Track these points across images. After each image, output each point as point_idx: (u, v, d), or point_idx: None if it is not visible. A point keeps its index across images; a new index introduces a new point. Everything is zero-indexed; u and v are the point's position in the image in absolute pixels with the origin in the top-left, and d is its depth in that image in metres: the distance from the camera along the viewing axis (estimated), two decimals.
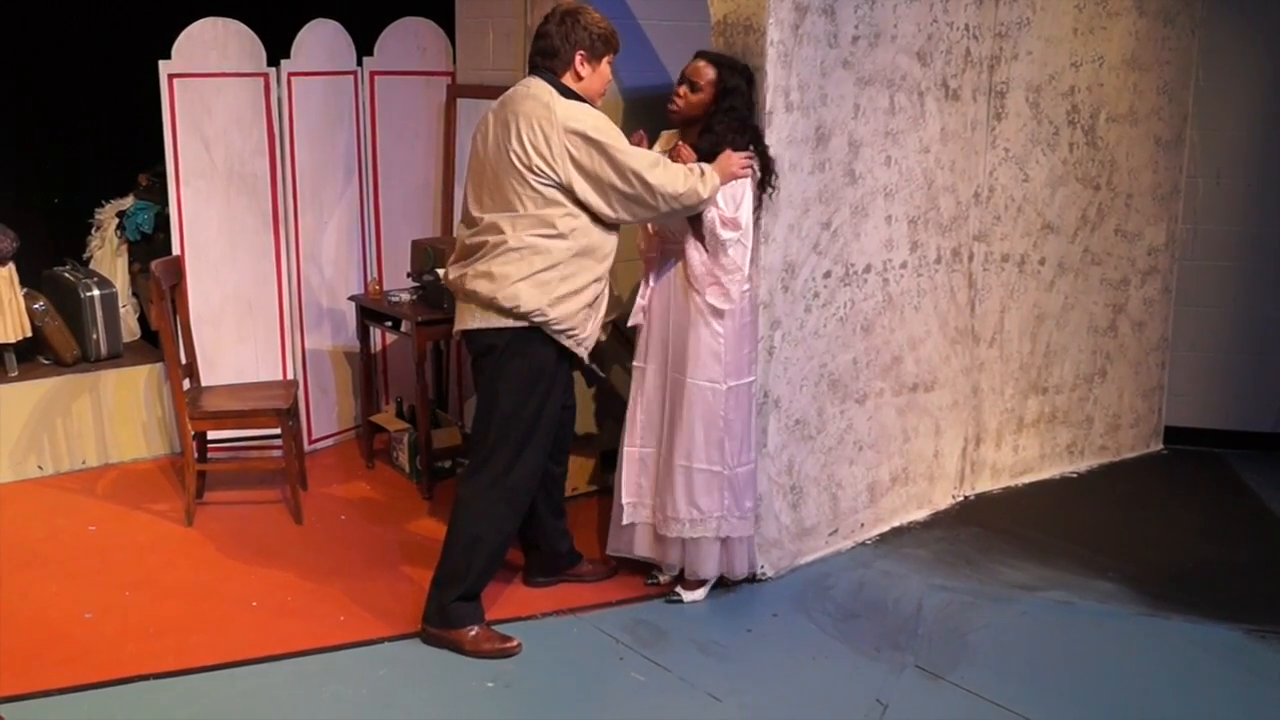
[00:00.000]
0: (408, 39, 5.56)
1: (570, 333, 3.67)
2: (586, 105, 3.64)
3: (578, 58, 3.66)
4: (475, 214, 3.68)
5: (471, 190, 3.73)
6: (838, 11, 4.10)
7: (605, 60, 3.72)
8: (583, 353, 3.78)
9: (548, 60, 3.67)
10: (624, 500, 4.11)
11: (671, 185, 3.62)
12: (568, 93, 3.63)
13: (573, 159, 3.54)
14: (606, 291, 3.80)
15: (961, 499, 5.04)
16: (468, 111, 5.45)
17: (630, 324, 4.11)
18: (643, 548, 4.13)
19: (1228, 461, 5.53)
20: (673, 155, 3.85)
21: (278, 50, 5.19)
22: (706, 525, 3.99)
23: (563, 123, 3.53)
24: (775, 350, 4.13)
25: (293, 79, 5.21)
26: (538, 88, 3.62)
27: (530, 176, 3.54)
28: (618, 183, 3.57)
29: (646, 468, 4.08)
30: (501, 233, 3.59)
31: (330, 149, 5.42)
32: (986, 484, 5.13)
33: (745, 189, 3.84)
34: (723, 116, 3.83)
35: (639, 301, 4.06)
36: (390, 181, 5.64)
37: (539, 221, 3.56)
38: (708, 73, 3.87)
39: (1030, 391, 5.20)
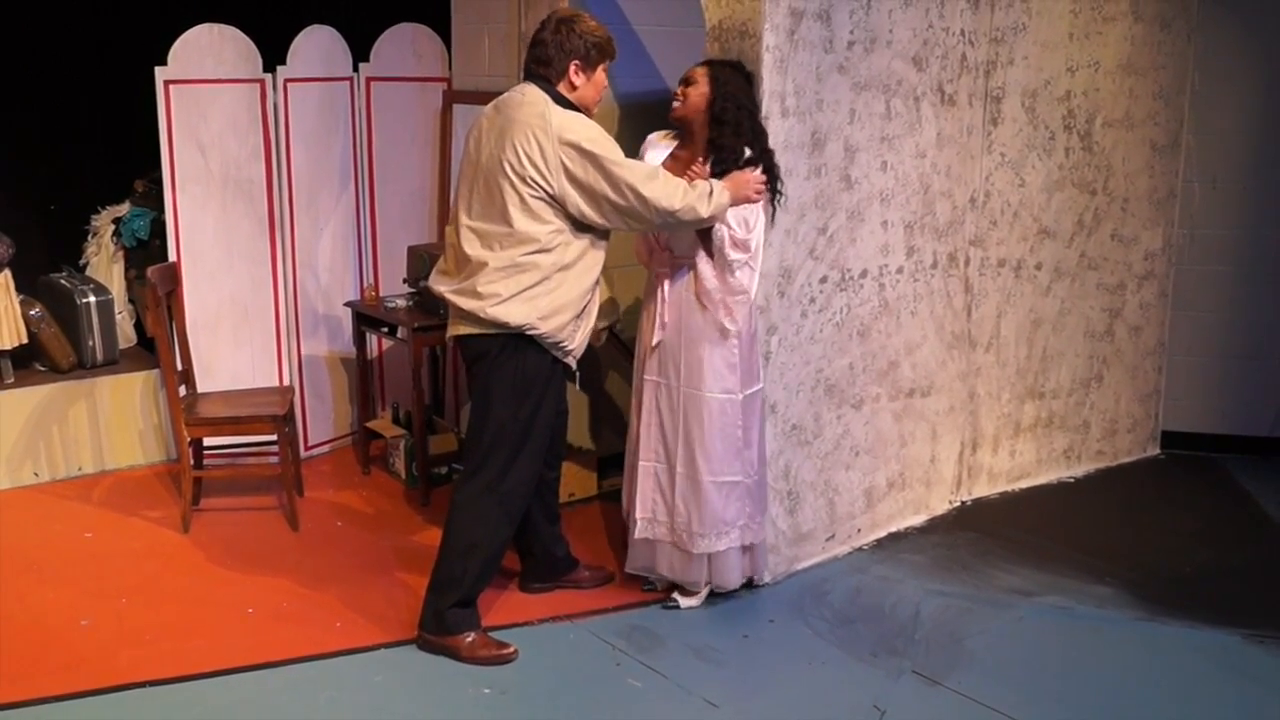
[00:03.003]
0: (404, 45, 5.57)
1: (559, 345, 3.67)
2: (581, 116, 3.62)
3: (572, 67, 3.64)
4: (464, 220, 3.66)
5: (462, 194, 3.71)
6: (833, 17, 4.10)
7: (600, 69, 3.71)
8: (571, 362, 3.77)
9: (542, 68, 3.66)
10: (638, 515, 4.06)
11: (667, 200, 3.59)
12: (562, 101, 3.61)
13: (567, 171, 3.52)
14: (595, 301, 3.78)
15: (958, 504, 5.03)
16: (464, 117, 5.45)
17: (654, 341, 3.98)
18: (665, 567, 4.07)
19: (1224, 466, 5.52)
20: (685, 174, 3.80)
21: (274, 57, 5.19)
22: (730, 536, 3.98)
23: (558, 134, 3.51)
24: (772, 355, 4.13)
25: (289, 85, 5.21)
26: (533, 95, 3.60)
27: (522, 187, 3.52)
28: (611, 195, 3.55)
29: (661, 483, 4.03)
30: (487, 249, 3.57)
31: (326, 155, 5.42)
32: (983, 489, 5.13)
33: (758, 213, 3.82)
34: (723, 103, 3.80)
35: (657, 319, 3.98)
36: (386, 187, 5.64)
37: (524, 238, 3.54)
38: (701, 69, 3.88)
39: (1027, 396, 5.19)
